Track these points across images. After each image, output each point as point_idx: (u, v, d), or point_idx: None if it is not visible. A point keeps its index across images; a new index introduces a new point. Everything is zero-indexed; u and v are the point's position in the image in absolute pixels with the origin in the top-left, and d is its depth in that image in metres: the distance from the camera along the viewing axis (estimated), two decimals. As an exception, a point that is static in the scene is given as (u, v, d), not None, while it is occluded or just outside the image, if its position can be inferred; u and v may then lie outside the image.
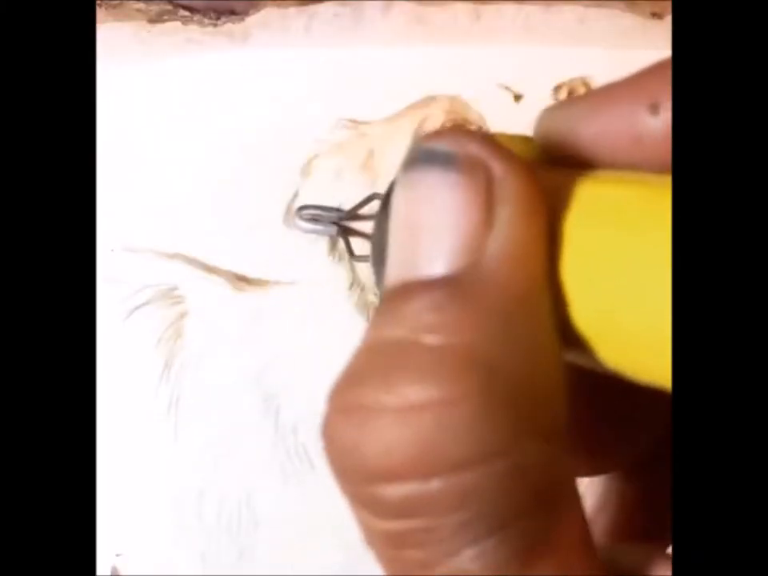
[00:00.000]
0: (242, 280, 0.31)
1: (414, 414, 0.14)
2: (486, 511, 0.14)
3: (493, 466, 0.14)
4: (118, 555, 0.31)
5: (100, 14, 0.30)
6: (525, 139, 0.21)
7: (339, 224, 0.31)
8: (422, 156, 0.16)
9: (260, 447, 0.31)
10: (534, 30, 0.31)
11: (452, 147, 0.16)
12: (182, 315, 0.31)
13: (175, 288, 0.31)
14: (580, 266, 0.16)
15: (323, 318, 0.31)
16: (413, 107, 0.31)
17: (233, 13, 0.31)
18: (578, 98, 0.19)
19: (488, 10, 0.31)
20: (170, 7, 0.31)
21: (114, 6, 0.30)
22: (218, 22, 0.31)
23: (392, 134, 0.31)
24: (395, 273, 0.16)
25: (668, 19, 0.31)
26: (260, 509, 0.31)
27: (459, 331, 0.14)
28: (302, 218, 0.31)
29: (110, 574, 0.31)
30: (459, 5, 0.31)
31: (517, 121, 0.32)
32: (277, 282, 0.31)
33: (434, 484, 0.14)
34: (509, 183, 0.15)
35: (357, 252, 0.31)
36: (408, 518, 0.14)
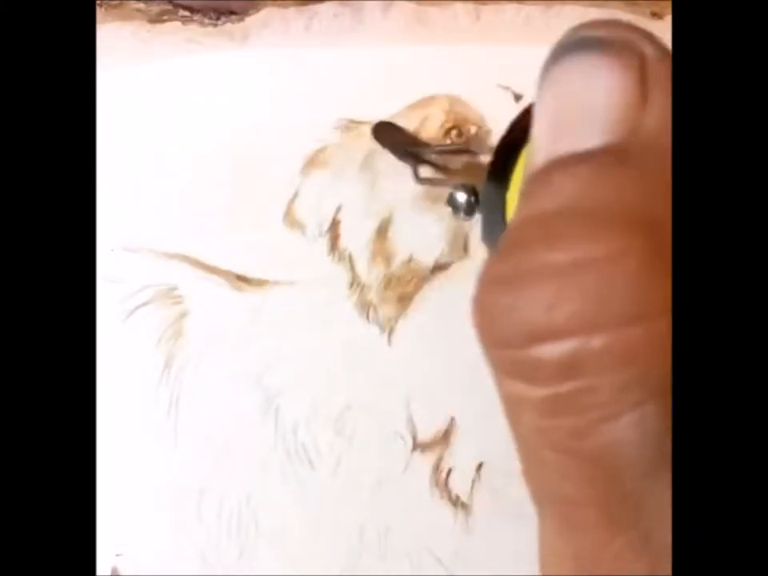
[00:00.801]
0: (241, 280, 0.31)
1: (577, 270, 0.14)
2: (651, 371, 0.14)
3: (659, 323, 0.14)
4: (118, 555, 0.31)
5: (100, 14, 0.30)
6: None
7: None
8: (576, 43, 0.16)
9: (260, 447, 0.31)
10: (534, 30, 0.31)
11: (605, 33, 0.16)
12: (182, 315, 0.31)
13: (175, 288, 0.31)
14: None
15: (323, 318, 0.31)
16: (413, 107, 0.31)
17: (233, 13, 0.31)
18: None
19: (488, 10, 0.31)
20: (170, 7, 0.31)
21: (114, 6, 0.30)
22: (218, 22, 0.31)
23: (392, 133, 0.31)
24: (546, 151, 0.15)
25: (668, 19, 0.31)
26: (260, 509, 0.31)
27: (621, 193, 0.14)
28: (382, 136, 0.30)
29: (110, 574, 0.31)
30: (459, 5, 0.31)
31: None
32: (277, 282, 0.31)
33: (598, 340, 0.14)
34: (662, 65, 0.15)
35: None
36: (568, 379, 0.14)
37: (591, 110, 0.15)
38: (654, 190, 0.14)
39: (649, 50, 0.16)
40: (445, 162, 0.31)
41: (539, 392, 0.14)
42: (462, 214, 0.25)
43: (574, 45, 0.16)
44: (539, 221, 0.15)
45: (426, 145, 0.30)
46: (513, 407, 0.15)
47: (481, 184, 0.25)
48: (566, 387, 0.14)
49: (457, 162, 0.30)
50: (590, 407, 0.14)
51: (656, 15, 0.31)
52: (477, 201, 0.25)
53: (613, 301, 0.13)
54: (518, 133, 0.21)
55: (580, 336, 0.14)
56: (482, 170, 0.25)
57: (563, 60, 0.16)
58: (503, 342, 0.15)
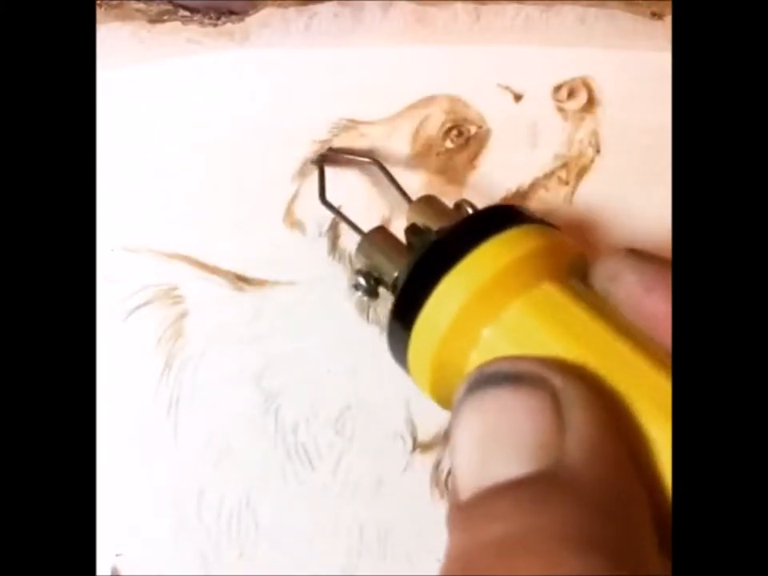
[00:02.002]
0: (241, 280, 0.31)
1: None
2: None
3: None
4: (117, 555, 0.31)
5: (100, 14, 0.30)
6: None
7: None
8: (488, 378, 0.18)
9: (260, 447, 0.31)
10: (534, 30, 0.31)
11: (514, 368, 0.18)
12: (182, 315, 0.31)
13: (175, 288, 0.31)
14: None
15: (323, 318, 0.31)
16: (413, 107, 0.31)
17: (233, 13, 0.31)
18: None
19: (488, 10, 0.31)
20: (170, 7, 0.31)
21: (114, 6, 0.30)
22: (218, 22, 0.31)
23: (392, 133, 0.31)
24: (473, 481, 0.17)
25: (668, 19, 0.31)
26: (260, 509, 0.31)
27: (563, 516, 0.15)
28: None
29: (109, 574, 0.31)
30: (459, 5, 0.31)
31: (517, 121, 0.32)
32: (277, 282, 0.31)
33: None
34: (571, 391, 0.17)
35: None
36: None
37: (512, 440, 0.17)
38: (592, 510, 0.15)
39: (558, 381, 0.17)
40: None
41: None
42: (365, 298, 0.26)
43: (486, 380, 0.18)
44: (484, 550, 0.16)
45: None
46: None
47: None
48: None
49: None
50: None
51: (656, 15, 0.31)
52: (377, 283, 0.26)
53: None
54: (425, 271, 0.22)
55: None
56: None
57: (479, 394, 0.18)
58: None
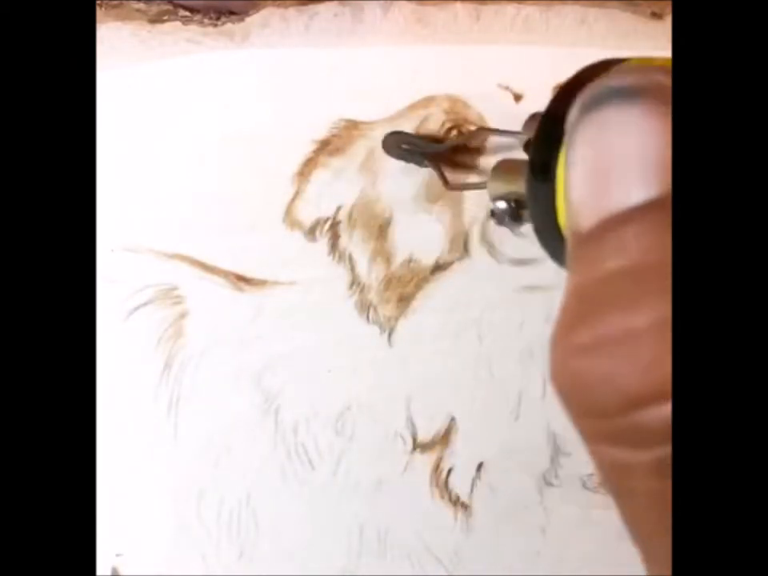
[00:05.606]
0: (241, 280, 0.31)
1: (662, 331, 0.14)
2: None
3: None
4: (118, 555, 0.31)
5: (100, 14, 0.30)
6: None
7: (428, 155, 0.30)
8: (609, 94, 0.16)
9: (260, 447, 0.31)
10: (534, 30, 0.31)
11: (639, 81, 0.15)
12: (182, 315, 0.31)
13: (175, 288, 0.31)
14: None
15: (323, 318, 0.31)
16: (413, 107, 0.31)
17: (233, 13, 0.31)
18: None
19: (488, 9, 0.31)
20: (170, 7, 0.31)
21: (114, 6, 0.30)
22: (218, 22, 0.31)
23: (392, 134, 0.31)
24: (590, 207, 0.15)
25: (668, 19, 0.31)
26: (260, 509, 0.31)
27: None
28: (389, 146, 0.30)
29: (110, 574, 0.31)
30: (459, 5, 0.31)
31: (517, 121, 0.32)
32: (277, 282, 0.31)
33: None
34: None
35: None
36: None
37: (638, 162, 0.15)
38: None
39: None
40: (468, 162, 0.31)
41: (649, 455, 0.14)
42: (508, 224, 0.25)
43: (606, 95, 0.16)
44: (607, 282, 0.15)
45: (433, 141, 0.30)
46: (618, 473, 0.15)
47: (512, 185, 0.25)
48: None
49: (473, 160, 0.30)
50: None
51: (656, 15, 0.31)
52: (519, 207, 0.25)
53: None
54: (554, 123, 0.20)
55: None
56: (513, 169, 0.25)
57: (597, 111, 0.16)
58: (600, 411, 0.14)
